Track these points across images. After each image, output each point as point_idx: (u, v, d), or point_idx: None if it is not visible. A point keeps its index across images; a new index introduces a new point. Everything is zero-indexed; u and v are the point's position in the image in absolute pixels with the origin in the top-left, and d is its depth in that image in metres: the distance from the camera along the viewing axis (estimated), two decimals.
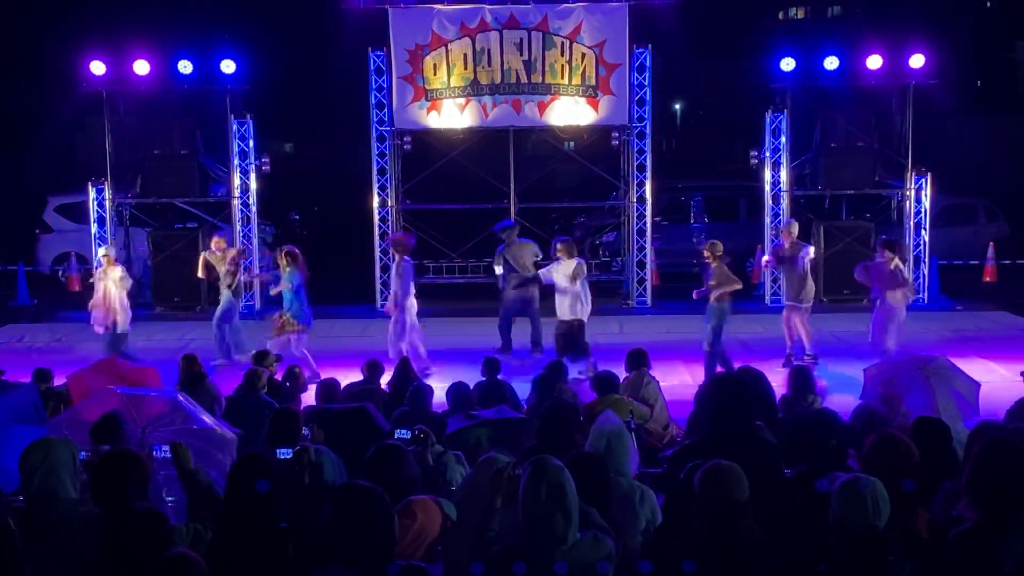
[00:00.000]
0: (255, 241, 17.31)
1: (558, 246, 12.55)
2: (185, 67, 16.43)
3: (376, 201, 17.22)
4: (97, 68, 16.32)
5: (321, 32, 23.49)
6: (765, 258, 14.09)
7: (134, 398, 6.83)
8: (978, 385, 8.24)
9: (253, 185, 17.21)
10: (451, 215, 18.47)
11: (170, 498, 5.71)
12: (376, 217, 17.20)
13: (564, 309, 12.23)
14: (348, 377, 9.91)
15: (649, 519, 5.12)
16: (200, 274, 13.56)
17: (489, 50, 16.55)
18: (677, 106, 46.63)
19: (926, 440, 5.44)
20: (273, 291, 12.66)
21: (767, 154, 17.13)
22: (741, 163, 24.48)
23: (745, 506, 4.13)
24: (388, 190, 17.19)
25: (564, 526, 3.98)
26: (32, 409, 7.79)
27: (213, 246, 13.51)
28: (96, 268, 12.75)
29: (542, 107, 16.75)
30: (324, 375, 10.74)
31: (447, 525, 4.80)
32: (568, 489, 4.02)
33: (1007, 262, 19.22)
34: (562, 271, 12.28)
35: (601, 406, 7.35)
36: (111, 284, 12.56)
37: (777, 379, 8.88)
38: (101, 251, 13.29)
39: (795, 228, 12.92)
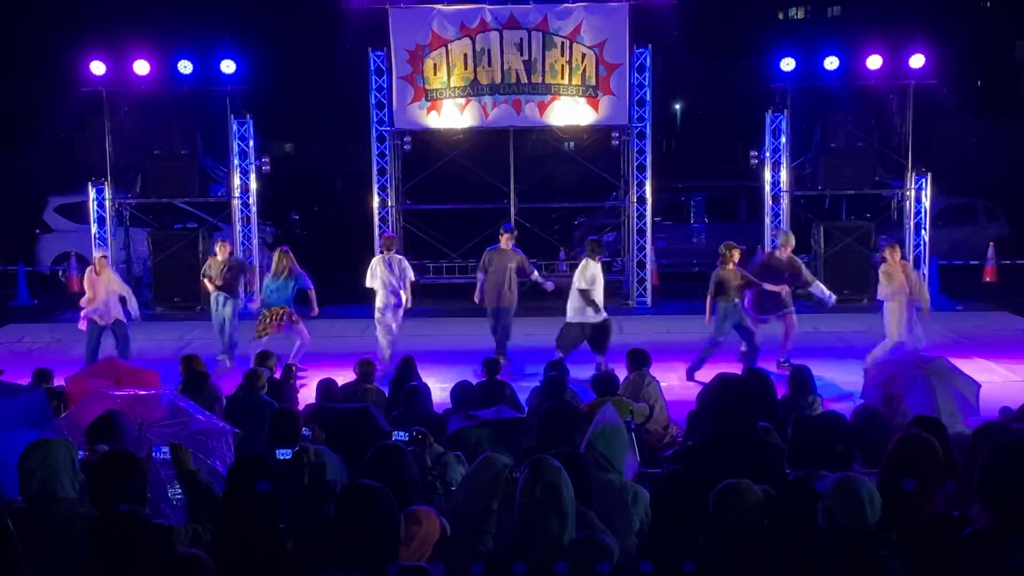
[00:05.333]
0: (255, 241, 17.31)
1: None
2: (185, 67, 16.43)
3: (376, 201, 17.21)
4: (97, 68, 16.31)
5: (321, 32, 23.46)
6: None
7: (128, 398, 6.85)
8: (978, 385, 8.24)
9: (253, 185, 17.21)
10: (451, 215, 18.47)
11: (176, 496, 5.70)
12: (376, 217, 17.19)
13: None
14: (349, 377, 9.90)
15: (643, 519, 5.10)
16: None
17: (489, 50, 16.55)
18: (677, 106, 46.61)
19: None
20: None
21: (767, 154, 17.13)
22: (741, 163, 24.48)
23: (760, 526, 4.11)
24: (388, 190, 17.19)
25: (559, 526, 3.98)
26: (42, 413, 7.82)
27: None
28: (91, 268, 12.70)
29: (542, 107, 16.74)
30: (323, 375, 10.73)
31: (445, 535, 4.80)
32: (564, 490, 4.02)
33: (1007, 262, 19.22)
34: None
35: (600, 406, 7.35)
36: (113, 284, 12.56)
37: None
38: (99, 254, 13.17)
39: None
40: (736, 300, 11.84)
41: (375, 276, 12.79)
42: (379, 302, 12.76)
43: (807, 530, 4.29)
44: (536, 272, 13.38)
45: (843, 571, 3.94)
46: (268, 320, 12.37)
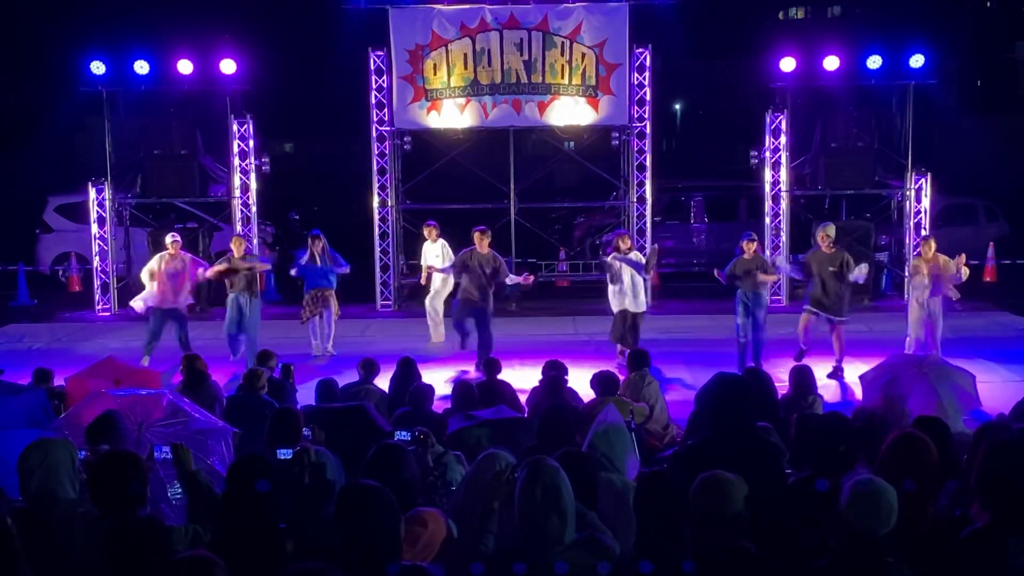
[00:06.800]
0: (255, 241, 17.30)
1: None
2: (185, 67, 16.44)
3: (376, 201, 17.21)
4: (97, 68, 16.32)
5: (321, 32, 23.48)
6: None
7: (128, 398, 6.85)
8: (973, 376, 8.24)
9: (253, 185, 17.20)
10: (451, 215, 18.45)
11: (176, 496, 5.70)
12: (376, 217, 17.19)
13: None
14: (349, 377, 9.90)
15: None
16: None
17: (489, 50, 16.54)
18: (677, 106, 46.64)
19: None
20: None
21: (767, 154, 17.12)
22: (741, 163, 24.46)
23: (740, 519, 4.06)
24: (388, 190, 17.18)
25: (559, 527, 3.97)
26: (42, 413, 7.83)
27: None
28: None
29: (542, 107, 16.74)
30: (322, 375, 10.73)
31: (452, 537, 4.80)
32: (564, 490, 4.01)
33: (1007, 262, 19.22)
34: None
35: (601, 406, 7.35)
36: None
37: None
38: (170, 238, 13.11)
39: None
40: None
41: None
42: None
43: (807, 530, 4.28)
44: (510, 276, 12.98)
45: (847, 571, 3.91)
46: (313, 302, 13.04)
